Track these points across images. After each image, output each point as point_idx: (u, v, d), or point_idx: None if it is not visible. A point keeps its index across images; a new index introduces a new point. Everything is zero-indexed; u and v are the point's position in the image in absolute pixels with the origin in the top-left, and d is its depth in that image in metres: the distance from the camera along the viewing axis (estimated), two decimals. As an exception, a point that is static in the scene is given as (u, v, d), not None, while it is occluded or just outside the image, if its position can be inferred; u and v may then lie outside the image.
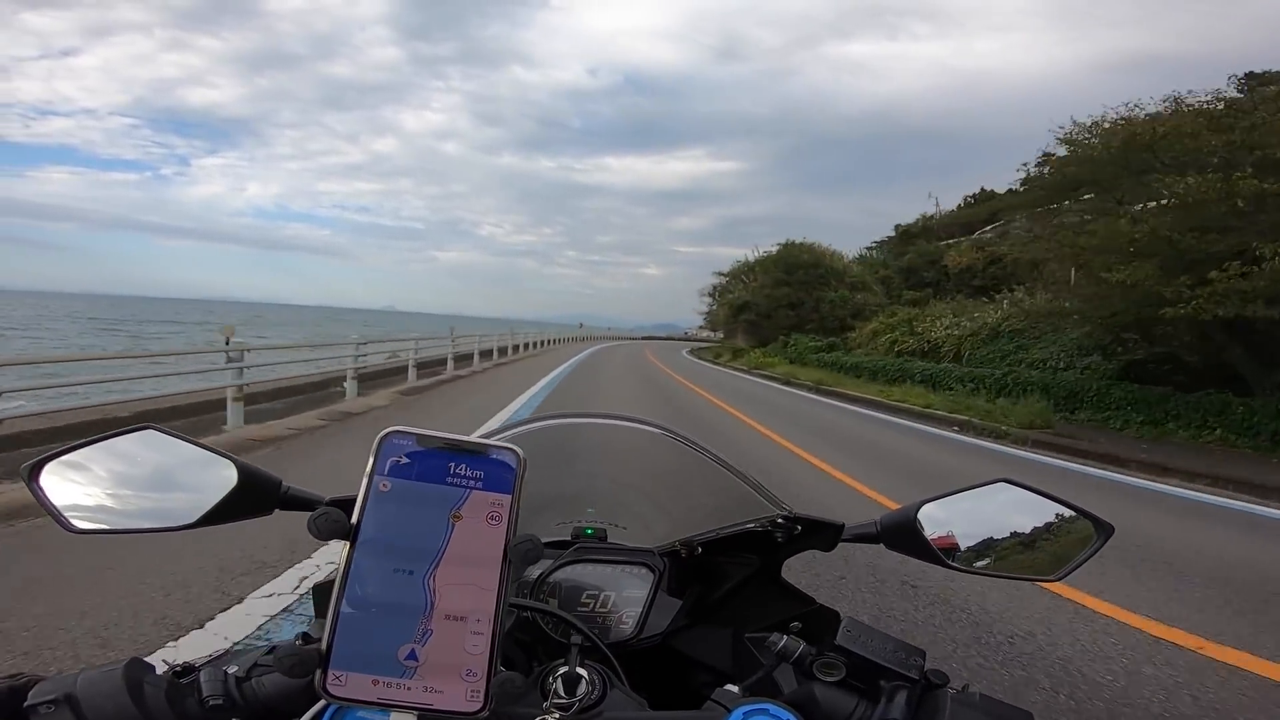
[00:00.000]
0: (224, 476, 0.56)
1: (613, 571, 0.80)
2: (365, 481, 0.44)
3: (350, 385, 10.39)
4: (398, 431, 0.44)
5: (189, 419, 7.32)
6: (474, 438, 0.46)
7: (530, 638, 0.69)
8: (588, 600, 0.78)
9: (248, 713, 0.49)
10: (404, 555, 0.43)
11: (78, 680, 0.46)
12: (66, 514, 0.54)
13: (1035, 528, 0.70)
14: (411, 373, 13.15)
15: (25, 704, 0.45)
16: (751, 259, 36.53)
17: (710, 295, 41.36)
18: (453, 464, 0.44)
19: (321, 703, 0.45)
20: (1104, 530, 0.68)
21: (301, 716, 0.47)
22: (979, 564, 0.69)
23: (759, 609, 0.81)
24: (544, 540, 0.85)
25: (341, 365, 10.79)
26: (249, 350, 7.96)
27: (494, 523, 0.43)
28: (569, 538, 0.86)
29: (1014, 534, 0.70)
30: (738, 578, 0.85)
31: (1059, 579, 0.69)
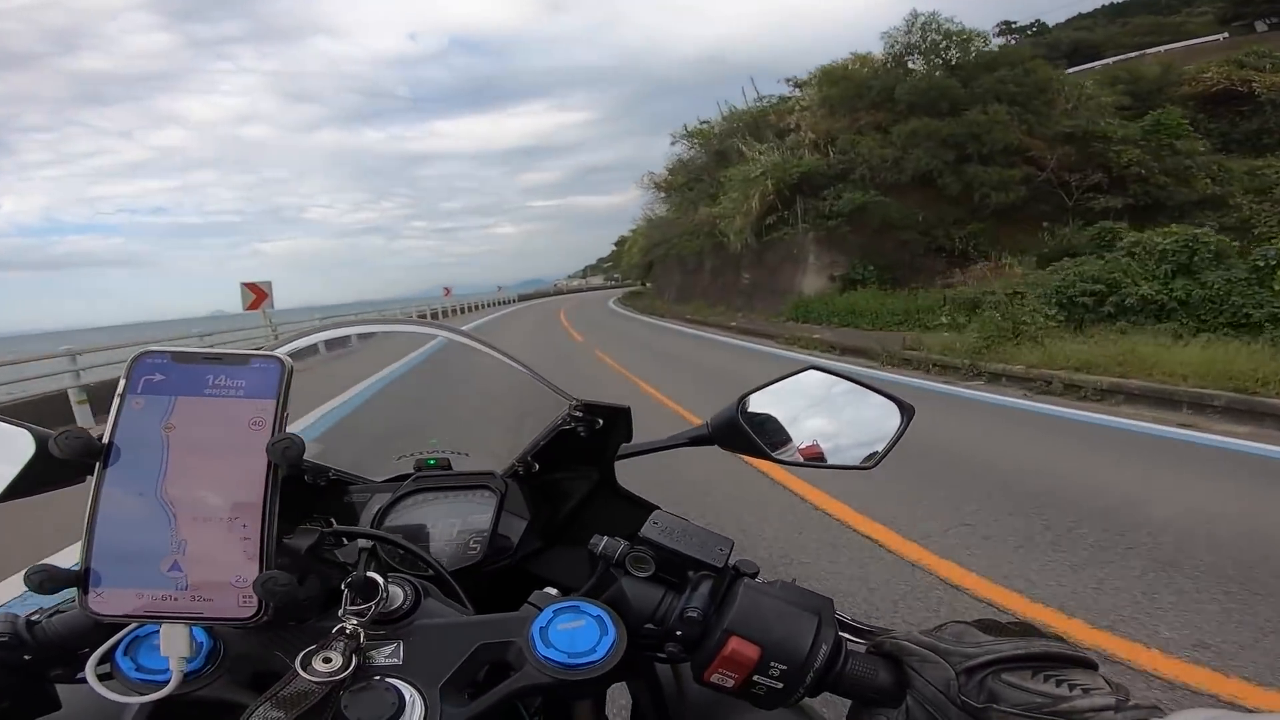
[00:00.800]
0: (20, 446, 0.53)
1: (454, 499, 0.81)
2: (116, 401, 0.43)
3: None
4: (151, 351, 0.44)
5: None
6: (236, 350, 0.45)
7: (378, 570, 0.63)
8: (432, 530, 0.77)
9: (38, 651, 0.50)
10: (144, 470, 0.42)
11: None
12: None
13: (845, 414, 0.74)
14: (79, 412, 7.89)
15: None
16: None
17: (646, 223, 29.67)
18: (211, 376, 0.44)
19: (124, 630, 0.46)
20: (906, 411, 0.72)
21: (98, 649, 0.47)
22: (800, 456, 0.72)
23: (609, 522, 0.78)
24: (386, 477, 0.86)
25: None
26: None
27: (256, 428, 0.43)
28: (411, 470, 0.86)
29: (827, 422, 0.74)
30: (581, 493, 0.85)
31: (874, 466, 0.71)
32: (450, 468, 0.87)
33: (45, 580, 0.41)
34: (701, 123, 24.65)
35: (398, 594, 0.51)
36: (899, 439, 0.72)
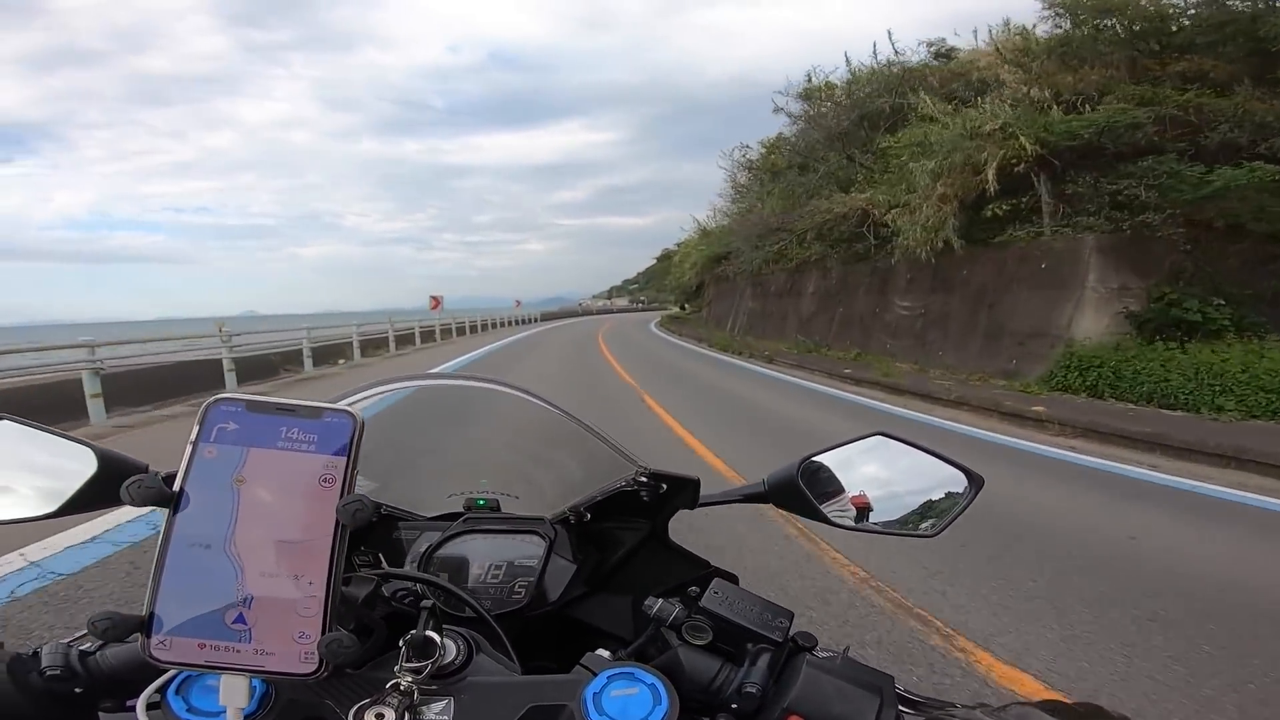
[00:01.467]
0: (83, 464, 0.56)
1: (503, 541, 0.79)
2: (189, 449, 0.43)
3: None
4: (225, 398, 0.44)
5: None
6: (309, 402, 0.45)
7: (417, 610, 0.63)
8: (478, 571, 0.77)
9: (90, 684, 0.49)
10: (214, 521, 0.43)
11: None
12: None
13: (910, 481, 0.71)
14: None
15: None
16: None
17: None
18: (284, 429, 0.43)
19: (171, 672, 0.46)
20: (975, 482, 0.71)
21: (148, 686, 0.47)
22: (862, 520, 0.70)
23: (656, 574, 0.80)
24: (435, 515, 0.86)
25: None
26: None
27: (327, 485, 0.43)
28: (461, 509, 0.86)
29: (891, 488, 0.71)
30: (631, 543, 0.83)
31: (936, 534, 0.69)
32: (499, 509, 0.87)
33: (110, 627, 0.41)
34: (817, 83, 17.30)
35: (450, 648, 0.51)
36: (965, 509, 0.70)
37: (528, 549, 0.78)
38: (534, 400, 0.86)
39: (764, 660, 0.51)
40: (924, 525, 0.70)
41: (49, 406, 7.18)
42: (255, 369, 11.68)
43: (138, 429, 7.43)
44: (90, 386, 7.76)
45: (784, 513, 0.78)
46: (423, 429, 1.02)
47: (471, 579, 0.76)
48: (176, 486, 0.42)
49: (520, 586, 0.75)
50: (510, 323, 36.39)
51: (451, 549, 0.78)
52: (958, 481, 0.71)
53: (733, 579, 0.67)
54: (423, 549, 0.78)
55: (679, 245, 41.18)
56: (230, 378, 10.26)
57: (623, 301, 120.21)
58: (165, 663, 0.42)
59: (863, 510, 0.69)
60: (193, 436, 0.43)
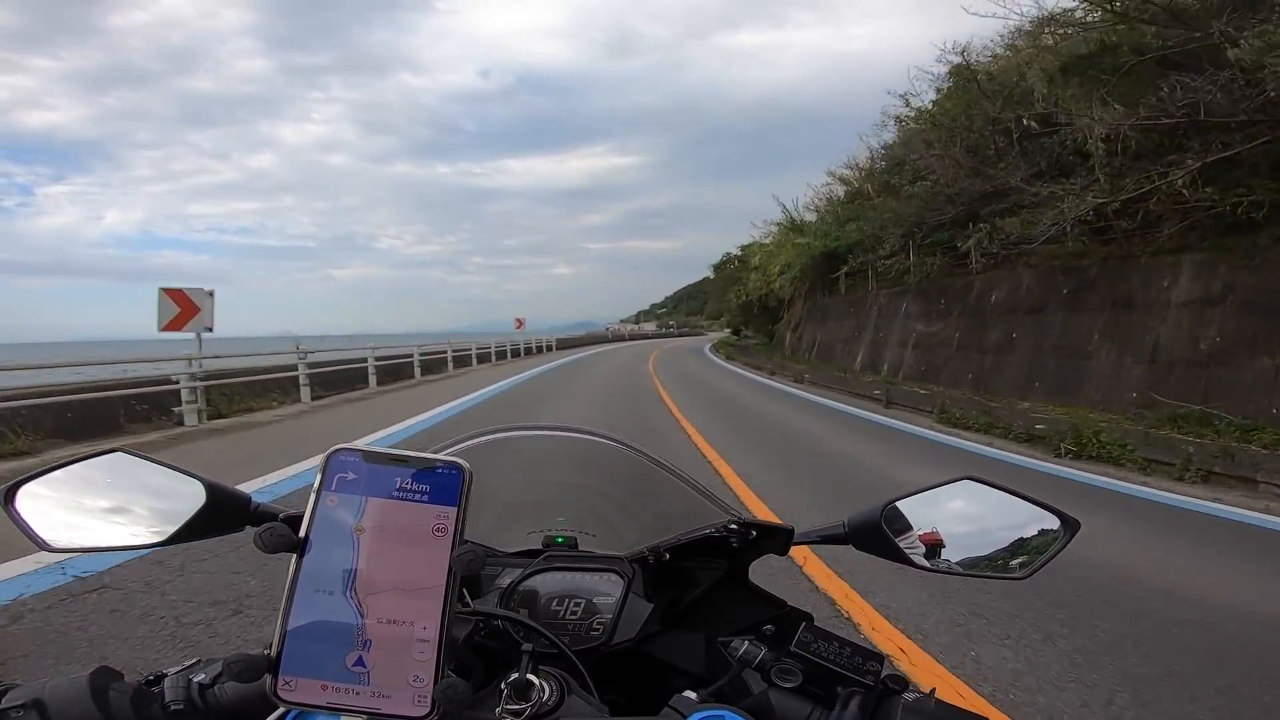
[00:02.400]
0: (193, 495, 0.57)
1: (583, 578, 0.79)
2: (313, 497, 0.45)
3: None
4: (345, 449, 0.46)
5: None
6: (420, 453, 0.47)
7: (502, 645, 0.67)
8: (557, 608, 0.77)
9: (209, 718, 0.51)
10: (336, 567, 0.44)
11: (45, 687, 0.49)
12: (42, 534, 0.55)
13: (1001, 525, 0.70)
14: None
15: None
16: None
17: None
18: (399, 479, 0.45)
19: (281, 709, 0.47)
20: (1070, 526, 0.69)
21: None
22: (947, 563, 0.69)
23: (731, 612, 0.80)
24: (515, 550, 0.84)
25: None
26: None
27: (439, 535, 0.44)
28: (540, 546, 0.86)
29: (980, 531, 0.70)
30: (707, 582, 0.83)
31: (1028, 576, 0.68)
32: (577, 546, 0.86)
33: (244, 670, 0.43)
34: None
35: (546, 690, 0.52)
36: (1059, 552, 0.67)
37: (606, 586, 0.77)
38: (614, 444, 0.93)
39: (856, 704, 0.51)
40: (1014, 563, 0.68)
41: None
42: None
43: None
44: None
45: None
46: (503, 467, 1.00)
47: (550, 614, 0.75)
48: (302, 533, 0.44)
49: (598, 624, 0.74)
50: (502, 354, 23.23)
51: (532, 585, 0.77)
52: (1050, 524, 0.68)
53: (808, 617, 0.68)
54: (505, 584, 0.77)
55: (744, 249, 30.36)
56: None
57: (650, 326, 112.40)
58: (289, 703, 0.43)
59: (933, 547, 0.68)
60: (315, 485, 0.45)
